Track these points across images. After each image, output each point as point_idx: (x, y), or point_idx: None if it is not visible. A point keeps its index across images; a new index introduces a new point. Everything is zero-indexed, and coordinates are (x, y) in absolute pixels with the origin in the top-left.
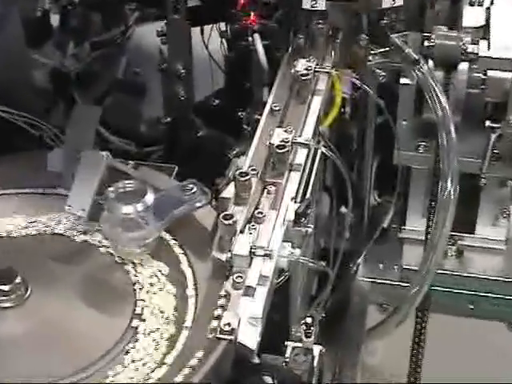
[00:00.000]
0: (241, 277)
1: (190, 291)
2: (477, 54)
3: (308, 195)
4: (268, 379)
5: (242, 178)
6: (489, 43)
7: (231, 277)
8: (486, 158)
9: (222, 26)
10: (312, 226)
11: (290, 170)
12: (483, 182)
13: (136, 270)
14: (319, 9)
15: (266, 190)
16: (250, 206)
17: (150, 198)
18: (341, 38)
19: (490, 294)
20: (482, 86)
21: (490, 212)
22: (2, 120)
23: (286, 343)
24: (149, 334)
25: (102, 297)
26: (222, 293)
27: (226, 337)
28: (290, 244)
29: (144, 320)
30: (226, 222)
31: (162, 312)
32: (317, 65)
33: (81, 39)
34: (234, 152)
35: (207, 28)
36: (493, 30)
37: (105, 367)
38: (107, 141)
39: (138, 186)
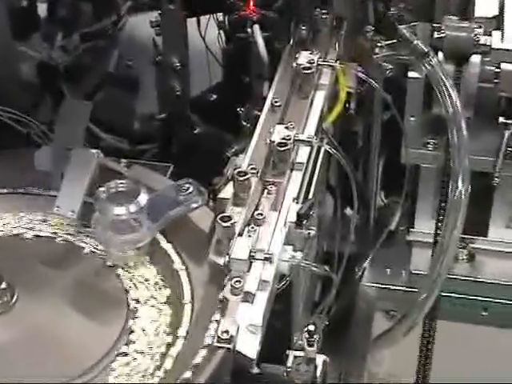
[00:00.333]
0: (239, 282)
1: (186, 297)
2: (489, 45)
3: (310, 196)
4: None
5: (241, 178)
6: (502, 34)
7: (229, 282)
8: (500, 155)
9: (220, 16)
10: (315, 229)
11: (292, 169)
12: (496, 181)
13: (128, 275)
14: None
15: (266, 191)
16: (249, 207)
17: (143, 198)
18: (345, 29)
19: (503, 300)
20: (495, 80)
21: (503, 213)
22: None
23: (287, 352)
24: (142, 342)
25: (92, 303)
26: (220, 299)
27: (223, 345)
28: (291, 247)
29: (136, 328)
30: (224, 224)
31: (155, 319)
32: (320, 58)
33: (70, 30)
34: (233, 150)
35: (204, 19)
36: (507, 20)
37: (96, 377)
38: (98, 138)
39: (131, 186)
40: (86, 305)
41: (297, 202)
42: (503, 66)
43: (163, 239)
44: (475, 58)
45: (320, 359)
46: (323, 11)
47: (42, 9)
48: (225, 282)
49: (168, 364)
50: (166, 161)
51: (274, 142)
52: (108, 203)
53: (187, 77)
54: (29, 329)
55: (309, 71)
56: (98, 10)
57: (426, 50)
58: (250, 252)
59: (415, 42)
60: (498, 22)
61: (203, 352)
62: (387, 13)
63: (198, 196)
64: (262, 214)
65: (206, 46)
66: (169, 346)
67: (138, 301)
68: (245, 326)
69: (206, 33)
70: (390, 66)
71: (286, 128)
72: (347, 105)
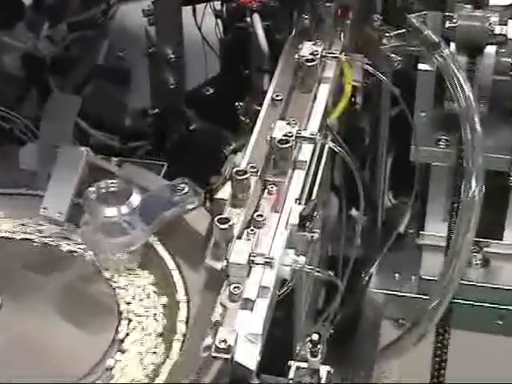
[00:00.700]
0: (238, 288)
1: (181, 304)
2: (505, 35)
3: (314, 196)
4: None
5: (240, 177)
6: None
7: (227, 288)
8: None
9: (217, 4)
10: (318, 231)
11: (294, 168)
12: None
13: (120, 281)
14: None
15: (266, 191)
16: (248, 209)
17: (135, 199)
18: (351, 18)
19: None
20: (511, 73)
21: None
22: None
23: (289, 363)
24: (134, 353)
25: (81, 311)
26: (217, 306)
27: (221, 355)
28: (293, 251)
29: (128, 337)
30: (222, 227)
31: (148, 329)
32: (324, 49)
33: (57, 19)
34: (231, 147)
35: (200, 7)
36: None
37: None
38: (87, 135)
39: (123, 186)
40: (75, 312)
41: (299, 203)
42: None
43: (157, 242)
44: (490, 49)
45: (324, 370)
46: None
47: None
48: (222, 288)
49: (162, 376)
50: (160, 159)
51: (274, 138)
52: (98, 204)
53: (182, 69)
54: (13, 337)
55: (312, 63)
56: None
57: (438, 41)
58: (250, 256)
59: (426, 31)
60: None
61: (199, 363)
62: (396, 1)
63: (194, 196)
64: (262, 216)
65: (203, 36)
66: (163, 356)
67: (129, 308)
68: (244, 335)
69: (203, 22)
70: (399, 58)
71: (288, 124)
72: (353, 99)
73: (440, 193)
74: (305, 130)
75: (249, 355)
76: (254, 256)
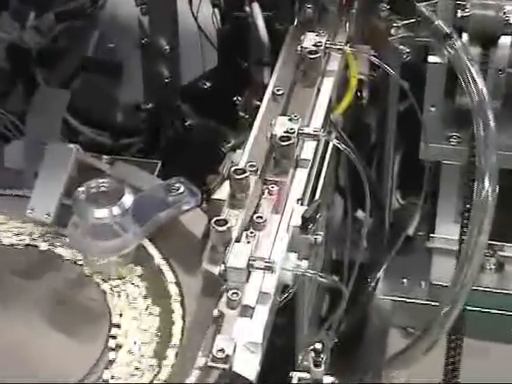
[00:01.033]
0: (237, 294)
1: (177, 311)
2: None
3: (317, 196)
4: None
5: (239, 176)
6: None
7: (225, 294)
8: None
9: None
10: (322, 234)
11: (296, 167)
12: None
13: (111, 287)
14: None
15: (266, 191)
16: (247, 210)
17: (128, 199)
18: (357, 7)
19: None
20: None
21: None
22: None
23: (290, 373)
24: (126, 363)
25: (71, 318)
26: (215, 313)
27: (219, 365)
28: (295, 255)
29: (120, 347)
30: (219, 229)
31: (141, 336)
32: (328, 40)
33: (44, 9)
34: (229, 145)
35: None
36: None
37: None
38: (77, 131)
39: (114, 186)
40: (65, 320)
41: (301, 204)
42: None
43: (151, 245)
44: (504, 40)
45: (328, 381)
46: None
47: None
48: (220, 293)
49: None
50: (154, 157)
51: (275, 135)
52: (88, 205)
53: (177, 61)
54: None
55: (315, 55)
56: None
57: (449, 31)
58: (249, 260)
59: (436, 21)
60: None
61: (196, 373)
62: None
63: (190, 197)
64: (262, 217)
65: (199, 26)
66: (157, 366)
67: (121, 316)
68: (243, 344)
69: (199, 11)
70: (408, 50)
71: (290, 120)
72: (359, 93)
73: (451, 193)
74: (307, 126)
75: (248, 365)
76: (254, 260)
